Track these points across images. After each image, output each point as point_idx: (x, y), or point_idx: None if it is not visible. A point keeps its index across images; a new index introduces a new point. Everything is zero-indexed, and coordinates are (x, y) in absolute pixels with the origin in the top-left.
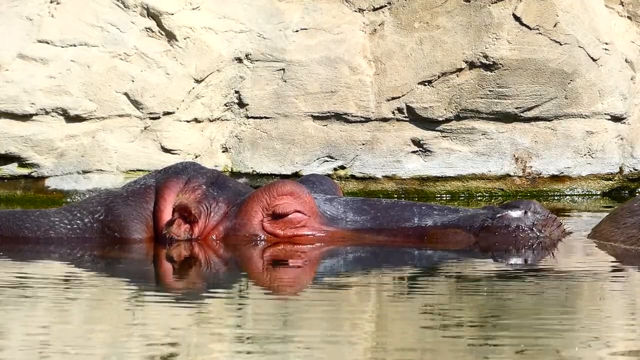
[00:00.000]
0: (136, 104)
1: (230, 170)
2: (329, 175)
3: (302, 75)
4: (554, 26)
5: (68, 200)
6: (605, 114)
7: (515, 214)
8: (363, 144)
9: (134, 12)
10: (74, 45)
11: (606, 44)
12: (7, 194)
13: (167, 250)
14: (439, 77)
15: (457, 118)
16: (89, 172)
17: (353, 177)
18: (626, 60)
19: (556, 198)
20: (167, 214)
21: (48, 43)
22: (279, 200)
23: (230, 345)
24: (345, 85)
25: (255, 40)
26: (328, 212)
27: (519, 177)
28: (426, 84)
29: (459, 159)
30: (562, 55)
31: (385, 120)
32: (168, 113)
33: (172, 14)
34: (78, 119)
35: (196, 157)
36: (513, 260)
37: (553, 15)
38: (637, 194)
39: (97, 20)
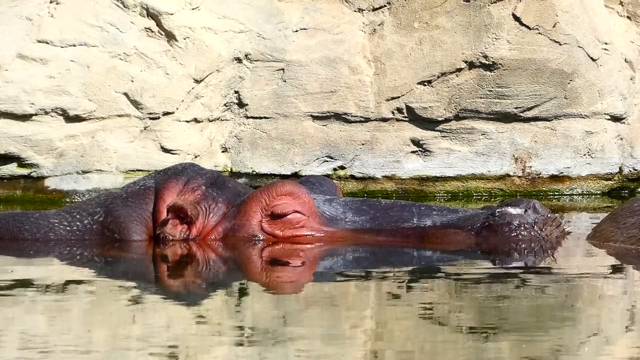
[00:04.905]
0: (136, 104)
1: (229, 170)
2: (328, 176)
3: (302, 75)
4: (554, 26)
5: (67, 200)
6: (604, 114)
7: (515, 211)
8: (363, 144)
9: (133, 12)
10: (74, 46)
11: (606, 44)
12: (7, 194)
13: (167, 251)
14: (438, 77)
15: (457, 118)
16: (89, 172)
17: (352, 177)
18: (626, 60)
19: (556, 198)
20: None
21: (48, 43)
22: (278, 201)
23: (229, 344)
24: (345, 85)
25: (254, 40)
26: (327, 213)
27: (519, 177)
28: (426, 84)
29: (459, 159)
30: (561, 55)
31: (384, 120)
32: (168, 113)
33: (172, 14)
34: (78, 119)
35: (196, 157)
36: (513, 261)
37: (553, 15)
38: (637, 194)
39: (97, 20)
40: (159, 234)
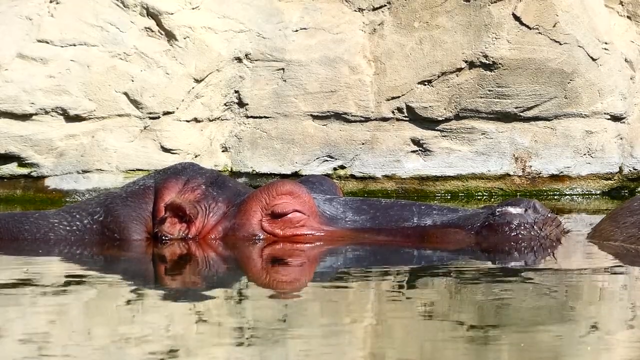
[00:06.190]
0: (136, 103)
1: (230, 169)
2: (328, 175)
3: (302, 75)
4: (554, 26)
5: (68, 200)
6: (604, 113)
7: (515, 210)
8: (363, 144)
9: (133, 11)
10: (74, 45)
11: (606, 43)
12: (7, 194)
13: (167, 250)
14: (438, 76)
15: (457, 118)
16: (89, 171)
17: (353, 176)
18: (626, 60)
19: (556, 198)
20: None
21: (48, 43)
22: (278, 200)
23: (229, 344)
24: (345, 85)
25: (254, 40)
26: (327, 212)
27: (519, 176)
28: (426, 83)
29: (459, 158)
30: (561, 55)
31: (385, 119)
32: (168, 113)
33: (172, 14)
34: (78, 118)
35: (196, 156)
36: (513, 260)
37: (553, 15)
38: (636, 194)
39: (97, 20)
40: (156, 233)
